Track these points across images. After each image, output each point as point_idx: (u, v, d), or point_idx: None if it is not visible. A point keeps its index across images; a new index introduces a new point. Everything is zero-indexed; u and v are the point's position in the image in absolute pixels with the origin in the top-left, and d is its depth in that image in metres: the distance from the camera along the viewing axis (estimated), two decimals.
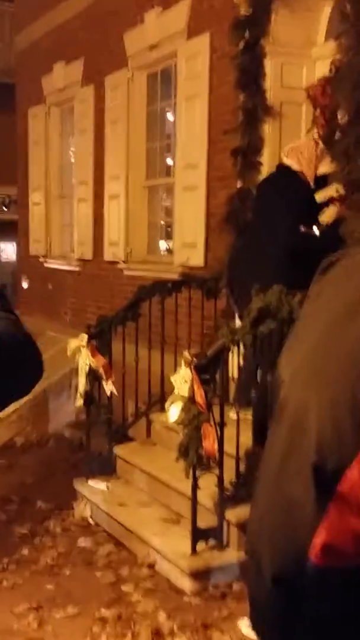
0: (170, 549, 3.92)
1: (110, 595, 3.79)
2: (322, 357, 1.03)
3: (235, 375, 4.51)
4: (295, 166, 4.56)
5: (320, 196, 4.62)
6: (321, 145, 4.64)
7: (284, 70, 5.22)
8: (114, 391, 4.89)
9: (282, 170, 4.63)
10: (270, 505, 1.04)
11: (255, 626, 1.15)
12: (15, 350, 1.24)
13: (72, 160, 8.74)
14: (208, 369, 3.68)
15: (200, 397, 3.61)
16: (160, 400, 5.20)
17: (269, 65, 5.14)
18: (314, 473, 0.98)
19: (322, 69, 5.03)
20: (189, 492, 4.00)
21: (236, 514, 3.85)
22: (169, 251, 7.04)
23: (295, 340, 1.13)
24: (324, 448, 0.97)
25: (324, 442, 0.98)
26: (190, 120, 6.04)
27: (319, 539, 0.99)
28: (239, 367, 4.18)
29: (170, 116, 7.07)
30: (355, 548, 0.96)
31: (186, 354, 3.72)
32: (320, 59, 5.17)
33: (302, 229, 4.40)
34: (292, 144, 4.72)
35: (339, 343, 1.04)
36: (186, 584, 3.74)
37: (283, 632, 1.07)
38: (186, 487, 4.06)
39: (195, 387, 3.62)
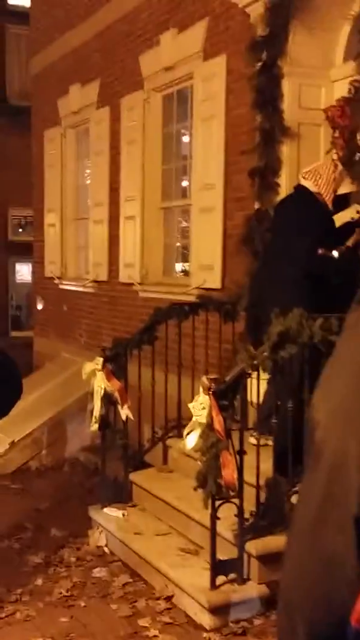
0: (188, 582, 3.80)
1: (127, 630, 3.67)
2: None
3: (254, 400, 4.40)
4: (313, 188, 4.49)
5: (339, 218, 4.55)
6: (340, 167, 4.57)
7: (302, 91, 5.16)
8: (130, 416, 4.80)
9: (300, 191, 4.55)
10: (306, 560, 0.94)
11: None
12: None
13: (88, 182, 8.73)
14: (227, 394, 3.58)
15: (219, 424, 3.50)
16: (177, 425, 5.11)
17: (286, 86, 5.09)
18: (356, 527, 0.88)
19: (341, 90, 4.97)
20: (207, 521, 3.88)
21: (257, 545, 3.73)
22: (185, 273, 6.97)
23: (330, 377, 1.03)
24: None
25: None
26: (207, 141, 5.99)
27: None
28: (259, 393, 4.06)
29: (186, 138, 7.04)
30: None
31: (204, 379, 3.62)
32: (338, 80, 5.10)
33: (320, 251, 4.31)
34: (311, 166, 4.64)
35: None
36: (205, 620, 3.61)
37: None
38: (204, 516, 3.95)
39: (214, 414, 3.52)
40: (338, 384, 0.97)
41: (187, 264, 6.82)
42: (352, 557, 0.86)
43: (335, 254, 4.36)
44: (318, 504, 0.92)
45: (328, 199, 4.47)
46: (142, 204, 7.12)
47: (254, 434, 3.96)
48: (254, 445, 3.88)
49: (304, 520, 0.95)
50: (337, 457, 0.89)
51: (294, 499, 3.90)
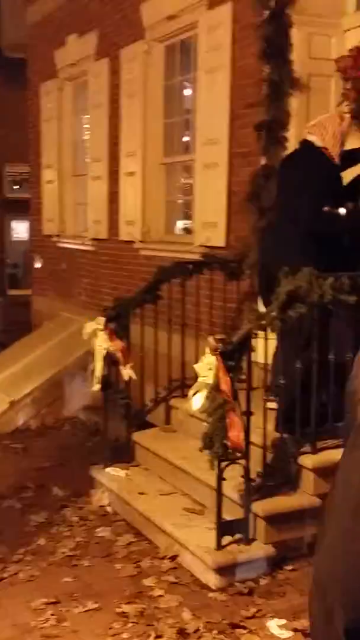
0: (194, 542, 3.77)
1: (132, 590, 3.64)
2: None
3: (260, 360, 4.33)
4: (318, 142, 4.33)
5: (349, 173, 4.41)
6: (347, 119, 4.41)
7: (312, 41, 4.97)
8: (133, 376, 4.73)
9: (305, 146, 4.40)
10: (349, 549, 0.86)
11: None
12: None
13: (86, 136, 8.52)
14: (234, 355, 3.50)
15: (225, 384, 3.43)
16: (180, 385, 5.04)
17: (295, 35, 4.88)
18: None
19: (353, 40, 4.79)
20: (212, 482, 3.85)
21: (263, 506, 3.70)
22: (187, 231, 6.84)
23: None
24: None
25: None
26: (211, 94, 5.80)
27: None
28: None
29: (188, 91, 6.83)
30: None
31: (211, 339, 3.54)
32: (351, 29, 4.91)
33: (326, 208, 4.18)
34: (316, 120, 4.48)
35: None
36: (211, 579, 3.59)
37: None
38: (209, 476, 3.91)
39: (221, 375, 3.44)
40: None
41: (190, 221, 6.68)
42: None
43: (342, 211, 4.22)
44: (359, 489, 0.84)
45: (335, 153, 4.31)
46: (143, 159, 6.95)
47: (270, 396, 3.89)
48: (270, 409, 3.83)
49: (343, 505, 0.87)
50: None
51: (300, 459, 3.86)
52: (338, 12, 5.01)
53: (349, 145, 4.41)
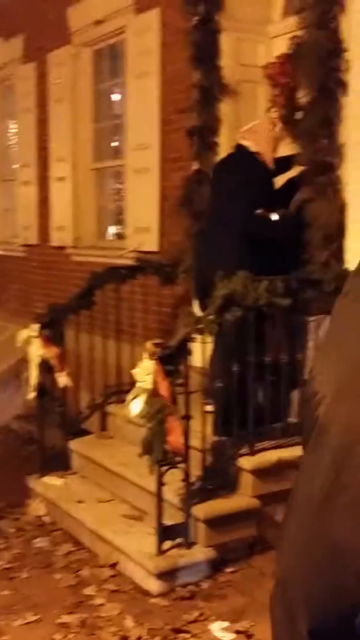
0: (134, 548, 3.74)
1: (72, 599, 3.59)
2: None
3: (197, 364, 4.34)
4: (253, 147, 4.39)
5: (280, 178, 4.49)
6: (279, 125, 4.48)
7: (240, 47, 5.04)
8: (69, 383, 4.67)
9: (240, 151, 4.45)
10: (311, 548, 0.86)
11: None
12: None
13: (14, 141, 8.38)
14: (172, 359, 3.50)
15: (164, 389, 3.43)
16: (117, 392, 5.01)
17: (224, 41, 4.95)
18: None
19: (280, 47, 4.87)
20: (151, 487, 3.84)
21: (203, 509, 3.71)
22: (119, 236, 6.82)
23: (333, 347, 0.94)
24: None
25: None
26: (141, 99, 5.80)
27: None
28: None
29: (116, 96, 6.82)
30: None
31: (148, 344, 3.53)
32: (278, 36, 5.00)
33: (259, 211, 4.23)
34: (248, 125, 4.54)
35: None
36: (152, 585, 3.57)
37: None
38: (148, 482, 3.89)
39: (159, 379, 3.44)
40: (344, 357, 0.88)
41: (122, 227, 6.65)
42: None
43: (275, 216, 4.29)
44: (323, 486, 0.84)
45: (268, 158, 4.38)
46: (73, 164, 6.89)
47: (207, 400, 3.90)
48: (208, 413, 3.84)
49: (306, 502, 0.87)
50: (347, 435, 0.81)
51: (239, 461, 3.89)
52: (265, 20, 5.09)
53: (280, 152, 4.49)
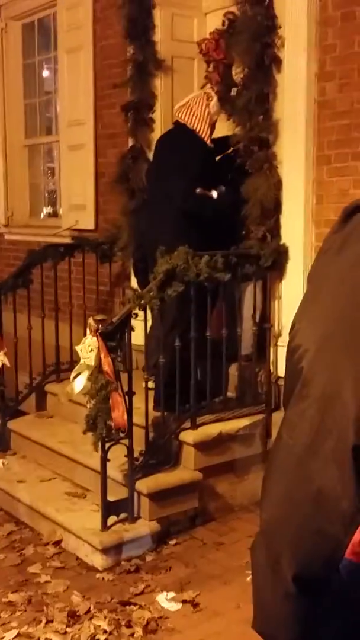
0: (78, 525, 3.75)
1: (17, 578, 3.57)
2: (355, 326, 0.88)
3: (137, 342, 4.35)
4: (190, 124, 4.38)
5: (219, 155, 4.51)
6: (214, 98, 4.47)
7: (175, 23, 5.01)
8: (7, 362, 4.60)
9: (179, 128, 4.44)
10: (294, 496, 0.89)
11: (263, 628, 1.01)
12: None
13: None
14: (115, 336, 3.50)
15: (108, 365, 3.43)
16: (55, 371, 4.97)
17: (158, 16, 4.92)
18: (354, 458, 0.84)
19: (213, 23, 4.88)
20: (93, 464, 3.85)
21: (147, 483, 3.74)
22: (52, 214, 6.72)
23: (314, 301, 0.97)
24: None
25: None
26: (74, 74, 5.71)
27: (359, 535, 0.85)
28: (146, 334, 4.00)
29: (47, 71, 6.69)
30: None
31: (91, 320, 3.51)
32: (210, 12, 5.00)
33: (198, 190, 4.25)
34: (183, 100, 4.52)
35: None
36: (97, 560, 3.59)
37: (302, 635, 0.94)
38: (90, 459, 3.91)
39: (102, 356, 3.43)
40: (325, 311, 0.91)
41: (56, 205, 6.56)
42: (350, 490, 0.82)
43: (214, 194, 4.32)
44: (307, 435, 0.87)
45: (205, 134, 4.38)
46: (4, 141, 6.73)
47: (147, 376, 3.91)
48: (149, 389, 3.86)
49: (290, 452, 0.90)
50: (330, 386, 0.84)
51: (181, 436, 3.94)
52: None
53: (217, 132, 4.48)
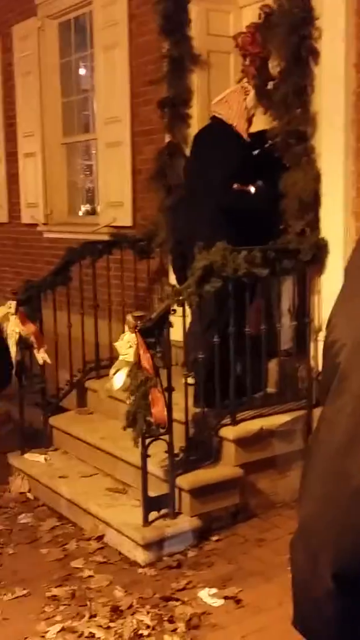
0: (120, 520, 3.78)
1: (60, 573, 3.61)
2: None
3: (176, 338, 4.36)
4: (227, 119, 4.36)
5: (257, 150, 4.48)
6: (251, 93, 4.44)
7: (210, 17, 5.00)
8: (47, 359, 4.65)
9: (215, 122, 4.43)
10: (334, 494, 0.89)
11: (304, 625, 1.01)
12: None
13: None
14: (153, 332, 3.51)
15: (147, 361, 3.44)
16: (95, 367, 5.01)
17: (193, 11, 4.90)
18: None
19: (250, 16, 4.85)
20: (134, 460, 3.87)
21: (188, 479, 3.75)
22: (92, 212, 6.77)
23: (351, 296, 0.96)
24: None
25: None
26: (110, 71, 5.73)
27: None
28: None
29: (84, 69, 6.73)
30: None
31: (130, 317, 3.52)
32: (247, 5, 4.97)
33: (236, 186, 4.23)
34: (221, 95, 4.51)
35: None
36: (140, 555, 3.61)
37: (341, 633, 0.93)
38: (131, 455, 3.92)
39: (141, 352, 3.44)
40: None
41: (94, 202, 6.60)
42: None
43: (252, 189, 4.29)
44: (346, 431, 0.86)
45: (242, 129, 4.36)
46: (42, 139, 6.80)
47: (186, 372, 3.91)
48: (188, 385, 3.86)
49: (328, 448, 0.90)
50: None
51: (221, 432, 3.94)
52: None
53: (254, 126, 4.46)
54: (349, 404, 0.85)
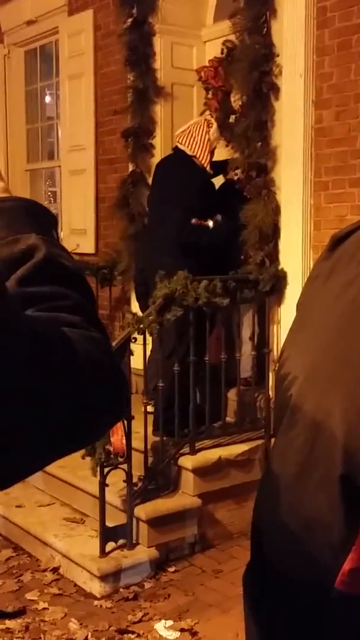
0: (76, 551, 3.73)
1: (15, 604, 3.54)
2: (345, 354, 0.88)
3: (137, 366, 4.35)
4: (189, 151, 4.41)
5: (217, 182, 4.54)
6: (214, 125, 4.50)
7: (174, 50, 5.08)
8: None
9: (178, 154, 4.47)
10: (286, 521, 0.89)
11: None
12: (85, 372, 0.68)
13: None
14: None
15: None
16: None
17: (158, 44, 4.99)
18: (341, 487, 0.84)
19: (212, 51, 4.94)
20: (92, 489, 3.83)
21: (146, 509, 3.72)
22: None
23: (302, 330, 0.97)
24: (353, 458, 0.84)
25: (352, 451, 0.84)
26: (75, 100, 5.78)
27: (348, 564, 0.85)
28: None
29: (49, 97, 6.77)
30: None
31: None
32: (210, 40, 5.07)
33: (194, 221, 4.23)
34: (184, 127, 4.56)
35: None
36: (95, 587, 3.57)
37: None
38: (89, 484, 3.89)
39: None
40: (313, 339, 0.92)
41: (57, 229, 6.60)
42: (338, 518, 0.82)
43: (210, 223, 4.30)
44: (297, 463, 0.87)
45: (205, 161, 4.41)
46: (6, 165, 6.79)
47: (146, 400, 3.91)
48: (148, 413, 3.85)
49: (281, 481, 0.91)
50: (318, 414, 0.84)
51: (180, 461, 3.93)
52: (198, 24, 5.15)
53: (217, 157, 4.52)
54: (300, 436, 0.86)
